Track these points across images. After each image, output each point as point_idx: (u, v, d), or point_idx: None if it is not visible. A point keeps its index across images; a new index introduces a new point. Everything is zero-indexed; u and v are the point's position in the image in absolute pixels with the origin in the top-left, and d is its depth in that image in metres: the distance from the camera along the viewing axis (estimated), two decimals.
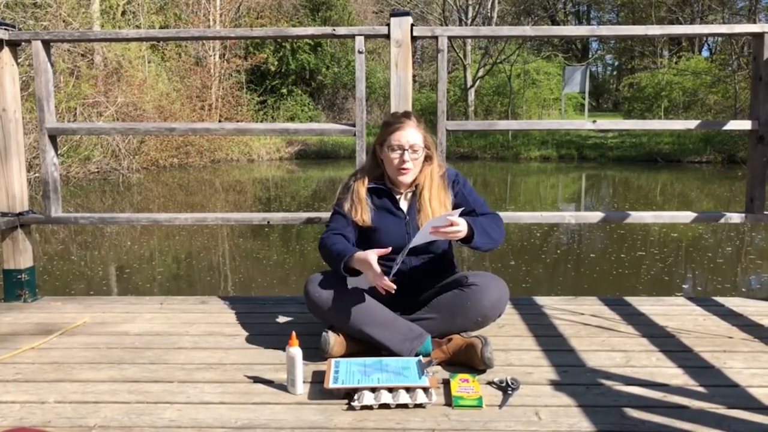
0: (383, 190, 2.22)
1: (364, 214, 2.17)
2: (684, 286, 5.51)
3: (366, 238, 2.21)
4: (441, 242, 2.19)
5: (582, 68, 21.87)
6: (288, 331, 1.88)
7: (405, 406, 1.70)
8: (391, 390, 1.75)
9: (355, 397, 1.73)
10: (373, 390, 1.75)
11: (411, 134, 2.14)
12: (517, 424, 1.62)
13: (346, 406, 1.72)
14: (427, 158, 2.21)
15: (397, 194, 2.23)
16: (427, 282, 2.21)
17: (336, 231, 2.17)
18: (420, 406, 1.71)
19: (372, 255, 1.94)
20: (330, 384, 1.78)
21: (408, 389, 1.75)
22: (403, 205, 2.23)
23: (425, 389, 1.74)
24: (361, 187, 2.21)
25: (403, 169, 2.15)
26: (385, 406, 1.70)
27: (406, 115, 2.22)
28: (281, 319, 2.54)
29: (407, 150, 2.13)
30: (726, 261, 6.48)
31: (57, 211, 2.89)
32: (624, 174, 16.47)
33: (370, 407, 1.70)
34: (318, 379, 1.89)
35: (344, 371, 1.85)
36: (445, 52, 2.74)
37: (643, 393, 1.80)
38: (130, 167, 15.32)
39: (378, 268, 1.93)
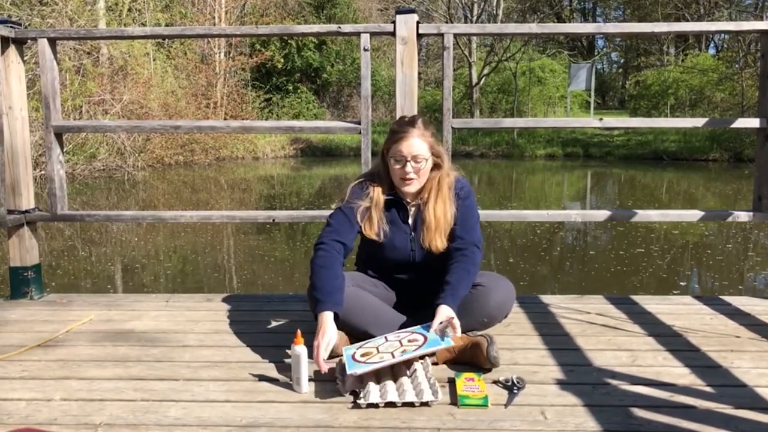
0: (395, 201, 2.15)
1: (375, 227, 2.12)
2: (682, 283, 5.48)
3: (371, 247, 2.18)
4: (444, 253, 2.14)
5: (588, 66, 21.81)
6: (293, 329, 1.87)
7: (411, 404, 1.70)
8: (398, 388, 1.75)
9: (362, 394, 1.73)
10: (378, 382, 1.77)
11: (414, 144, 2.06)
12: (522, 424, 1.61)
13: (352, 404, 1.71)
14: (436, 166, 2.14)
15: (408, 205, 2.17)
16: (433, 291, 2.21)
17: (335, 236, 2.08)
18: (426, 404, 1.70)
19: (324, 342, 1.85)
20: (349, 369, 1.79)
21: (415, 388, 1.75)
22: (410, 218, 2.18)
23: (432, 390, 1.73)
24: (381, 197, 2.13)
25: (406, 179, 2.09)
26: (391, 404, 1.70)
27: (412, 122, 2.11)
28: (286, 317, 2.54)
29: (410, 161, 2.06)
30: (731, 259, 6.45)
31: (63, 208, 2.90)
32: (630, 172, 16.41)
33: (376, 405, 1.69)
34: (323, 377, 1.89)
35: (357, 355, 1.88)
36: (450, 49, 2.73)
37: (649, 392, 1.79)
38: (135, 165, 15.36)
39: (320, 360, 1.83)
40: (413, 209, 2.18)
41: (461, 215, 2.16)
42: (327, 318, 1.90)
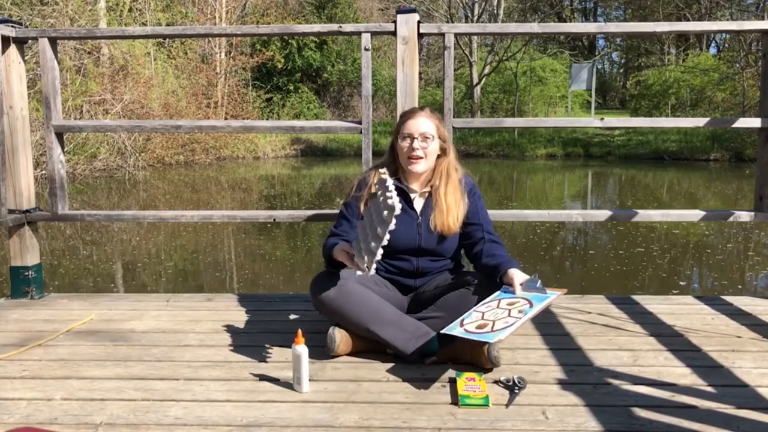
0: (398, 188, 2.16)
1: None
2: (682, 283, 5.48)
3: None
4: (450, 243, 2.19)
5: (588, 65, 21.79)
6: (294, 328, 1.87)
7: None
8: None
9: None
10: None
11: (422, 123, 2.14)
12: (523, 424, 1.61)
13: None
14: (443, 152, 2.19)
15: (411, 193, 2.20)
16: (436, 282, 2.21)
17: (338, 236, 2.15)
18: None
19: (338, 248, 1.99)
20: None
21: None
22: (418, 204, 2.20)
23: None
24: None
25: (413, 157, 2.13)
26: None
27: (420, 107, 2.22)
28: (287, 316, 2.54)
29: (417, 138, 2.12)
30: (732, 259, 6.44)
31: (63, 208, 2.90)
32: (630, 172, 16.40)
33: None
34: (324, 377, 1.88)
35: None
36: (451, 49, 2.73)
37: (650, 392, 1.79)
38: (136, 165, 15.37)
39: (346, 256, 1.95)
40: (422, 197, 2.20)
41: (482, 215, 2.22)
42: (335, 251, 2.01)
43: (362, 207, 2.16)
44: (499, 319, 1.84)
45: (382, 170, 1.93)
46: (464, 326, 1.86)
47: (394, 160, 2.22)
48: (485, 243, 2.18)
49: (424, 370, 1.95)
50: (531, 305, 1.87)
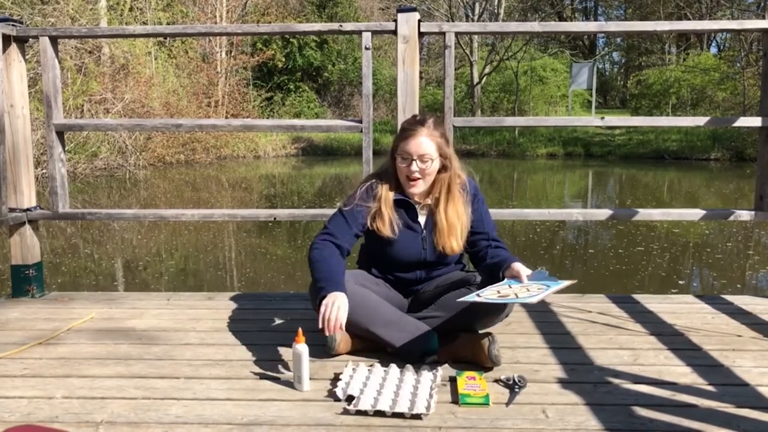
0: (404, 201, 2.13)
1: (387, 224, 2.08)
2: (681, 282, 5.48)
3: (381, 248, 2.15)
4: (454, 254, 2.18)
5: (589, 65, 21.80)
6: (294, 327, 1.87)
7: (401, 415, 1.62)
8: (393, 397, 1.70)
9: (353, 402, 1.68)
10: (380, 389, 1.74)
11: (422, 143, 2.03)
12: (524, 422, 1.61)
13: (342, 410, 1.67)
14: (443, 167, 2.10)
15: (416, 205, 2.15)
16: (436, 282, 2.20)
17: (330, 238, 2.06)
18: (417, 417, 1.62)
19: (337, 304, 1.85)
20: None
21: (411, 398, 1.69)
22: (421, 218, 2.16)
23: (426, 404, 1.66)
24: (390, 195, 2.10)
25: (411, 179, 2.07)
26: (380, 413, 1.63)
27: (422, 121, 2.07)
28: (288, 315, 2.54)
29: (415, 160, 2.04)
30: (732, 258, 6.44)
31: (64, 207, 2.90)
32: (631, 171, 16.40)
33: (365, 413, 1.64)
34: (324, 375, 1.88)
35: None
36: (452, 48, 2.73)
37: (651, 391, 1.79)
38: (136, 164, 15.38)
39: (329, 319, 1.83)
40: (424, 209, 2.17)
41: (486, 220, 2.19)
42: (337, 293, 1.88)
43: (369, 220, 2.10)
44: (520, 292, 1.85)
45: None
46: (482, 297, 1.86)
47: (394, 165, 2.16)
48: (490, 249, 2.16)
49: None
50: (548, 286, 1.87)
